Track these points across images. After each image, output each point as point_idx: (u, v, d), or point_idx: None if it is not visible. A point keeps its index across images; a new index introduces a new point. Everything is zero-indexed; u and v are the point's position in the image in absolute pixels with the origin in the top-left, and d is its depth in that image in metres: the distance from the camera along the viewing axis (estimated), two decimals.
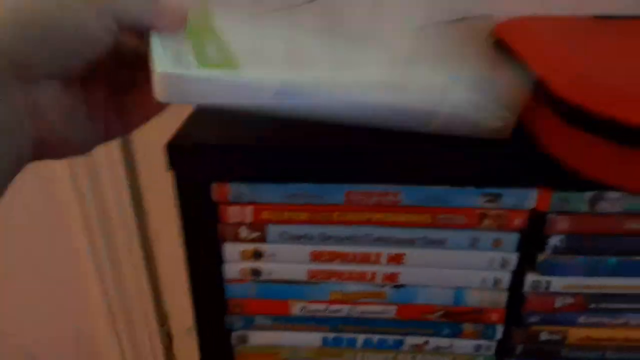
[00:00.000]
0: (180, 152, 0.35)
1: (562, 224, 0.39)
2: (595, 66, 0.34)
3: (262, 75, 0.29)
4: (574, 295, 0.42)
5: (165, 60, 0.26)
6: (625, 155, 0.28)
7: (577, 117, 0.30)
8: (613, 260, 0.40)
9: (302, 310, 0.44)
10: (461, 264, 0.42)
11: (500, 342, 0.45)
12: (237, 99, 0.29)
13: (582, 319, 0.43)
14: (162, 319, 0.69)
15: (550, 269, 0.41)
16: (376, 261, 0.42)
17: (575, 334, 0.44)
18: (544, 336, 0.44)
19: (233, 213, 0.39)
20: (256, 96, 0.29)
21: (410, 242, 0.41)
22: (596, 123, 0.29)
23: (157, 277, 0.66)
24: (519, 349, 0.45)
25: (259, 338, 0.46)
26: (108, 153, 0.58)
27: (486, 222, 0.39)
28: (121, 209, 0.62)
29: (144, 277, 0.65)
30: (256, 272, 0.42)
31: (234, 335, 0.46)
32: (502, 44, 0.43)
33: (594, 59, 0.35)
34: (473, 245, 0.40)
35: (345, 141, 0.36)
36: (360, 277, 0.42)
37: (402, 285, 0.43)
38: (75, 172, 0.58)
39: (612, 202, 0.37)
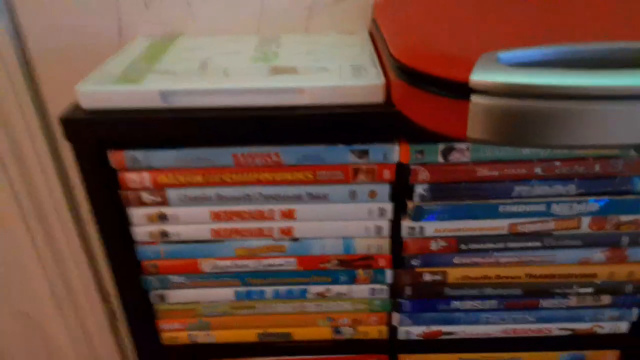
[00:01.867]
0: (73, 123, 0.41)
1: (423, 174, 0.45)
2: (436, 32, 0.40)
3: (146, 86, 0.42)
4: (445, 238, 0.48)
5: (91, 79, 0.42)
6: (452, 106, 0.34)
7: (414, 77, 0.36)
8: (472, 204, 0.46)
9: (212, 267, 0.50)
10: (345, 216, 0.48)
11: (391, 286, 0.52)
12: (133, 103, 0.42)
13: (457, 260, 0.50)
14: (105, 296, 0.74)
15: (421, 215, 0.47)
16: (271, 217, 0.48)
17: (454, 273, 0.50)
18: (426, 277, 0.51)
19: (131, 179, 0.45)
20: (145, 100, 0.42)
21: (298, 198, 0.47)
22: (428, 81, 0.35)
23: (94, 256, 0.71)
24: (408, 290, 0.52)
25: (176, 296, 0.52)
26: (34, 139, 0.62)
27: (360, 176, 0.46)
28: (52, 194, 0.66)
29: (82, 257, 0.70)
30: (164, 234, 0.48)
31: (152, 294, 0.52)
32: (376, 20, 0.49)
33: (438, 25, 0.41)
34: (352, 197, 0.47)
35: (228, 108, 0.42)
36: (260, 233, 0.48)
37: (297, 239, 0.49)
38: (4, 160, 0.63)
39: (461, 152, 0.44)
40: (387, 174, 0.46)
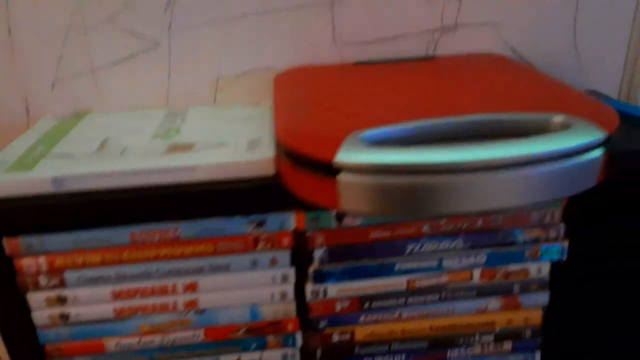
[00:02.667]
0: None
1: (319, 239, 0.47)
2: (315, 112, 0.43)
3: (37, 173, 0.43)
4: (348, 298, 0.50)
5: None
6: (323, 183, 0.37)
7: (290, 155, 0.39)
8: (369, 264, 0.49)
9: (117, 346, 0.50)
10: (249, 284, 0.49)
11: (302, 349, 0.53)
12: (25, 190, 0.43)
13: (362, 318, 0.52)
14: None
15: (322, 278, 0.49)
16: (174, 291, 0.48)
17: (361, 331, 0.52)
18: (335, 337, 0.52)
19: (27, 264, 0.44)
20: (36, 187, 0.43)
21: (200, 271, 0.48)
22: (301, 159, 0.38)
23: None
24: (319, 352, 0.53)
25: None
26: None
27: (260, 245, 0.47)
28: None
29: None
30: (64, 317, 0.47)
31: None
32: (273, 94, 0.52)
33: (318, 105, 0.45)
34: (254, 266, 0.48)
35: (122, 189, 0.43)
36: (164, 308, 0.49)
37: (203, 310, 0.49)
38: None
39: (350, 217, 0.47)
40: (286, 241, 0.48)
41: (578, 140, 0.35)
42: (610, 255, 0.53)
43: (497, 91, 0.46)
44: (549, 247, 0.50)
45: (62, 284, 0.46)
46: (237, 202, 0.45)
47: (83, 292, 0.47)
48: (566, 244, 0.50)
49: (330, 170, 0.35)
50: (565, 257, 0.51)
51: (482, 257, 0.50)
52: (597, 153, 0.36)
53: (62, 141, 0.49)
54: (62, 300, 0.47)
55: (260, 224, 0.47)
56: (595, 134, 0.36)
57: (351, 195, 0.36)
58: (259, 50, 0.58)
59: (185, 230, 0.46)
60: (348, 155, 0.35)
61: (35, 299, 0.47)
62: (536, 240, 0.50)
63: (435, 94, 0.46)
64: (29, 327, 0.48)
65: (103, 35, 0.55)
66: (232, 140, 0.48)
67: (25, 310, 0.47)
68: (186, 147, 0.47)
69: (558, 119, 0.38)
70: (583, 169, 0.36)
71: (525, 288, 0.52)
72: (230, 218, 0.46)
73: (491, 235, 0.49)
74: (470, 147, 0.34)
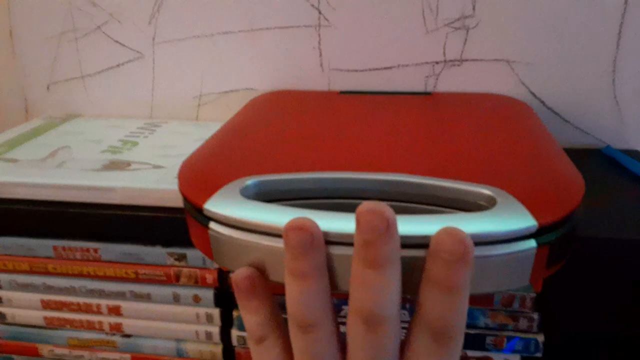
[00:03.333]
0: None
1: None
2: (230, 152, 0.39)
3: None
4: None
5: None
6: (201, 232, 0.33)
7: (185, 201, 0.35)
8: None
9: (50, 354, 0.50)
10: (172, 317, 0.46)
11: None
12: None
13: None
14: None
15: None
16: (99, 311, 0.47)
17: None
18: None
19: None
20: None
21: (121, 295, 0.46)
22: (185, 200, 0.34)
23: None
24: None
25: None
26: None
27: (183, 279, 0.44)
28: None
29: None
30: (1, 315, 0.48)
31: None
32: None
33: (243, 145, 0.40)
34: (176, 300, 0.45)
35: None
36: (90, 326, 0.48)
37: (129, 335, 0.48)
38: None
39: None
40: (210, 279, 0.44)
41: (490, 225, 0.27)
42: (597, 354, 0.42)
43: (462, 143, 0.38)
44: (518, 339, 0.41)
45: None
46: (155, 231, 0.42)
47: (15, 296, 0.48)
48: (541, 337, 0.41)
49: (203, 219, 0.31)
50: (539, 353, 0.41)
51: None
52: (523, 245, 0.28)
53: (23, 145, 0.51)
54: None
55: (181, 257, 0.44)
56: (521, 221, 0.28)
57: (221, 249, 0.31)
58: (242, 69, 0.55)
59: (106, 251, 0.44)
60: (217, 204, 0.31)
61: None
62: (502, 327, 0.41)
63: (393, 138, 0.40)
64: None
65: (92, 44, 0.56)
66: (173, 163, 0.46)
67: None
68: (123, 165, 0.46)
69: (485, 193, 0.31)
70: (501, 263, 0.28)
71: None
72: (150, 247, 0.44)
73: None
74: (342, 216, 0.28)
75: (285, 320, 0.29)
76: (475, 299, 0.41)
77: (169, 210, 0.42)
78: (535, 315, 0.41)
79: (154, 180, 0.42)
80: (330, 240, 0.27)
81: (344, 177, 0.33)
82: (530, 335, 0.41)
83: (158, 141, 0.52)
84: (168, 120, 0.58)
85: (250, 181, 0.33)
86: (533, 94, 0.51)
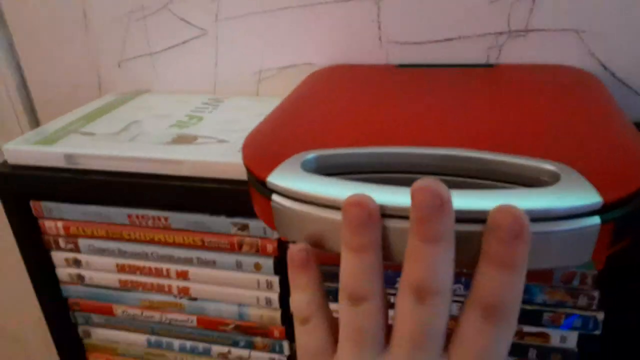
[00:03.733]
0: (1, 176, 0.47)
1: None
2: (291, 127, 0.40)
3: (54, 148, 0.47)
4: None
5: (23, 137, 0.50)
6: (262, 201, 0.35)
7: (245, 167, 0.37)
8: None
9: (123, 313, 0.54)
10: (235, 283, 0.49)
11: (289, 358, 0.52)
12: (45, 162, 0.48)
13: None
14: None
15: None
16: (168, 275, 0.50)
17: None
18: None
19: (49, 226, 0.50)
20: (52, 160, 0.47)
21: (189, 261, 0.49)
22: (248, 173, 0.36)
23: None
24: None
25: (98, 334, 0.57)
26: None
27: (245, 247, 0.47)
28: None
29: None
30: (80, 277, 0.53)
31: (80, 329, 0.57)
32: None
33: (301, 119, 0.41)
34: (238, 267, 0.48)
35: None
36: (160, 289, 0.51)
37: (195, 298, 0.51)
38: None
39: None
40: (270, 248, 0.46)
41: (553, 201, 0.27)
42: None
43: (525, 117, 0.38)
44: (577, 316, 0.41)
45: (77, 249, 0.51)
46: (220, 202, 0.44)
47: (93, 260, 0.52)
48: (601, 316, 0.40)
49: (266, 191, 0.33)
50: (598, 330, 0.41)
51: None
52: (587, 222, 0.28)
53: (99, 119, 0.54)
54: (77, 263, 0.52)
55: (244, 227, 0.46)
56: (586, 197, 0.27)
57: (282, 220, 0.33)
58: (301, 44, 0.55)
59: (175, 220, 0.47)
60: (279, 177, 0.32)
61: (57, 257, 0.53)
62: (560, 305, 0.41)
63: (452, 112, 0.40)
64: (54, 281, 0.54)
65: (159, 22, 0.58)
66: (236, 137, 0.48)
67: (51, 266, 0.53)
68: (190, 139, 0.48)
69: (548, 168, 0.30)
70: (563, 239, 0.28)
71: (545, 357, 0.43)
72: (215, 216, 0.46)
73: None
74: (399, 190, 0.28)
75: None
76: (534, 275, 0.41)
77: (233, 183, 0.43)
78: (596, 293, 0.40)
79: (218, 154, 0.44)
80: (387, 213, 0.28)
81: (402, 152, 0.33)
82: (590, 313, 0.41)
83: (222, 116, 0.54)
84: (230, 96, 0.60)
85: (310, 155, 0.34)
86: (603, 65, 0.49)
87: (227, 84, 0.60)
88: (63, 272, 0.53)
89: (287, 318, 0.49)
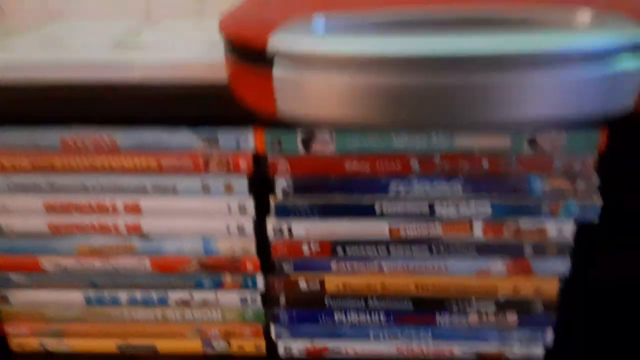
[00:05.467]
0: None
1: (283, 166, 0.39)
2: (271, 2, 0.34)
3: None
4: (318, 241, 0.43)
5: None
6: (259, 77, 0.29)
7: (228, 44, 0.31)
8: (344, 202, 0.41)
9: (54, 266, 0.45)
10: (201, 212, 0.42)
11: (264, 294, 0.46)
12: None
13: (334, 266, 0.44)
14: None
15: (287, 213, 0.41)
16: (114, 211, 0.42)
17: (332, 281, 0.45)
18: (302, 285, 0.45)
19: None
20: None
21: (142, 190, 0.41)
22: (236, 48, 0.30)
23: None
24: (282, 298, 0.46)
25: (20, 297, 0.47)
26: None
27: (212, 166, 0.40)
28: None
29: None
30: None
31: None
32: None
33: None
34: (205, 191, 0.41)
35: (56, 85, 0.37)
36: (104, 229, 0.43)
37: (148, 237, 0.43)
38: None
39: (325, 143, 0.38)
40: (243, 164, 0.40)
41: (598, 39, 0.25)
42: None
43: None
44: (575, 204, 0.40)
45: None
46: (183, 110, 0.37)
47: (14, 201, 0.42)
48: (599, 201, 0.40)
49: (264, 60, 0.27)
50: (596, 218, 0.41)
51: (485, 207, 0.41)
52: (631, 62, 0.26)
53: (9, 41, 0.43)
54: None
55: (212, 140, 0.39)
56: (631, 35, 0.25)
57: (287, 93, 0.27)
58: None
59: (124, 139, 0.39)
60: (285, 39, 0.26)
61: None
62: (559, 193, 0.40)
63: None
64: None
65: None
66: (189, 44, 0.40)
67: None
68: (137, 45, 0.40)
69: (584, 15, 0.28)
70: (608, 80, 0.26)
71: (541, 251, 0.43)
72: (176, 129, 0.39)
73: (500, 180, 0.40)
74: (439, 38, 0.24)
75: None
76: (534, 164, 0.39)
77: (197, 88, 0.36)
78: (595, 179, 0.39)
79: (178, 55, 0.37)
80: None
81: (423, 12, 0.29)
82: (588, 201, 0.40)
83: (164, 29, 0.45)
84: (165, 19, 0.51)
85: (317, 17, 0.28)
86: None
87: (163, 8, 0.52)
88: None
89: (262, 247, 0.44)
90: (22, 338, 0.49)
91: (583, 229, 0.42)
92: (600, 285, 0.45)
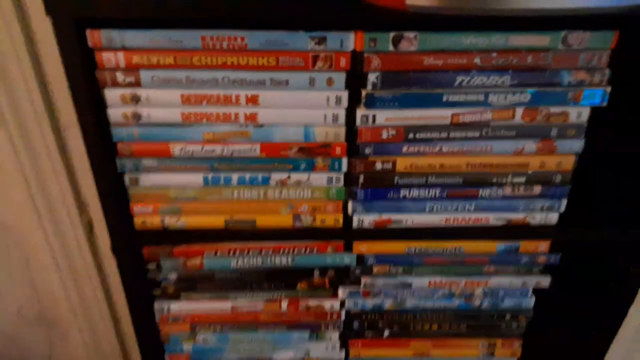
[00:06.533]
0: None
1: (375, 62, 0.50)
2: None
3: None
4: (395, 127, 0.54)
5: None
6: None
7: None
8: (419, 93, 0.51)
9: (181, 151, 0.54)
10: (305, 103, 0.52)
11: (346, 175, 0.57)
12: None
13: (405, 149, 0.55)
14: (81, 207, 0.77)
15: (373, 103, 0.52)
16: (237, 102, 0.52)
17: (402, 162, 0.56)
18: (378, 165, 0.56)
19: (107, 58, 0.48)
20: None
21: (262, 84, 0.51)
22: None
23: (72, 168, 0.74)
24: (361, 178, 0.57)
25: (148, 179, 0.56)
26: (14, 47, 0.64)
27: (319, 63, 0.50)
28: (32, 103, 0.68)
29: (61, 169, 0.73)
30: (137, 116, 0.52)
31: (126, 177, 0.56)
32: None
33: None
34: (311, 84, 0.51)
35: None
36: (227, 118, 0.53)
37: (261, 125, 0.53)
38: None
39: (410, 41, 0.49)
40: (343, 61, 0.50)
41: None
42: None
43: None
44: (592, 91, 0.52)
45: (138, 83, 0.50)
46: (300, 15, 0.47)
47: (155, 93, 0.51)
48: (608, 89, 0.52)
49: None
50: (605, 102, 0.53)
51: (526, 96, 0.53)
52: None
53: None
54: (135, 99, 0.51)
55: (322, 40, 0.49)
56: None
57: None
58: None
59: (252, 40, 0.49)
60: None
61: (112, 95, 0.51)
62: (581, 83, 0.52)
63: None
64: (104, 123, 0.52)
65: None
66: None
67: (102, 106, 0.51)
68: None
69: None
70: None
71: (563, 133, 0.55)
72: (294, 32, 0.49)
73: (539, 74, 0.51)
74: None
75: None
76: (564, 60, 0.51)
77: None
78: (607, 71, 0.52)
79: None
80: None
81: None
82: (601, 87, 0.52)
83: None
84: None
85: None
86: None
87: None
88: (116, 112, 0.52)
89: (350, 134, 0.55)
90: (146, 216, 0.59)
91: (596, 113, 0.54)
92: (608, 162, 0.58)
